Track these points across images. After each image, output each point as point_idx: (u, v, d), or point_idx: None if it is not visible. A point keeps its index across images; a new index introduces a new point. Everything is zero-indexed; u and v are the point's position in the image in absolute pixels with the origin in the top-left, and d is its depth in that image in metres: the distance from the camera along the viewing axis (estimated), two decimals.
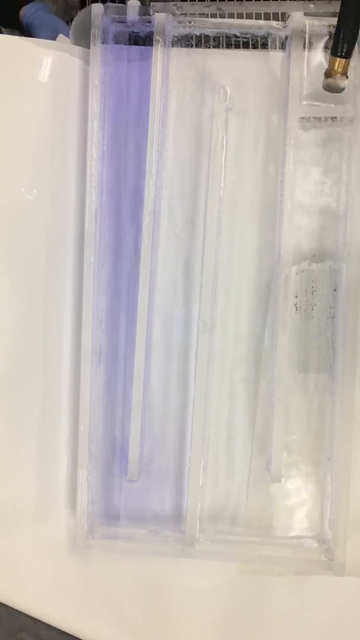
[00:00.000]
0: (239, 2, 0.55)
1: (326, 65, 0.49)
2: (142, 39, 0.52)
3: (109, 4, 0.50)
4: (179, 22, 0.50)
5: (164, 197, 0.53)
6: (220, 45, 0.52)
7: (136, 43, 0.52)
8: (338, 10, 0.46)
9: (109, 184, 0.52)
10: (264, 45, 0.52)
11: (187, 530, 0.51)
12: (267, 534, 0.52)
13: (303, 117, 0.50)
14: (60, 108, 0.53)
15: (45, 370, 0.54)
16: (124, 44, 0.52)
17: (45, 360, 0.54)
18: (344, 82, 0.49)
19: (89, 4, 0.62)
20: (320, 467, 0.52)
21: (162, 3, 0.52)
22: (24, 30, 0.67)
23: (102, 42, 0.50)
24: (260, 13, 0.54)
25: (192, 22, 0.51)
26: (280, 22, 0.50)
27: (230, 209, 0.52)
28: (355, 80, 0.49)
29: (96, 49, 0.50)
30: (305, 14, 0.49)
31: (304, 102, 0.50)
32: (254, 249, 0.53)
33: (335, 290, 0.52)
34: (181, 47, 0.52)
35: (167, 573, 0.53)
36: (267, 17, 0.53)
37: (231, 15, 0.53)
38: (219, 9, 0.53)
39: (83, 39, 0.52)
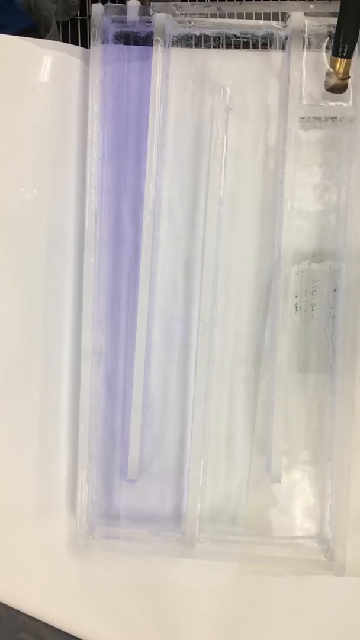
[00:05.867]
0: (239, 2, 0.55)
1: (326, 65, 0.49)
2: (142, 39, 0.52)
3: (109, 4, 0.50)
4: (179, 22, 0.50)
5: (164, 197, 0.53)
6: (220, 45, 0.52)
7: (136, 43, 0.52)
8: (338, 10, 0.46)
9: (109, 184, 0.52)
10: (264, 45, 0.52)
11: (187, 530, 0.51)
12: (267, 534, 0.52)
13: (303, 117, 0.50)
14: (60, 108, 0.53)
15: (45, 370, 0.54)
16: (124, 44, 0.52)
17: (45, 360, 0.54)
18: (345, 82, 0.49)
19: (89, 4, 0.63)
20: (320, 467, 0.52)
21: (162, 3, 0.52)
22: None
23: (102, 42, 0.50)
24: (260, 13, 0.54)
25: (192, 22, 0.51)
26: (280, 22, 0.50)
27: (230, 209, 0.52)
28: (356, 80, 0.49)
29: (96, 49, 0.50)
30: (305, 14, 0.49)
31: (304, 102, 0.50)
32: (254, 249, 0.53)
33: (335, 290, 0.52)
34: (181, 47, 0.52)
35: (167, 573, 0.53)
36: (267, 17, 0.53)
37: (231, 15, 0.53)
38: (219, 9, 0.53)
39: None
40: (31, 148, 0.53)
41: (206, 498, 0.53)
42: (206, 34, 0.51)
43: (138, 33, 0.52)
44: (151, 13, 0.50)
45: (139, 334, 0.50)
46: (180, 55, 0.52)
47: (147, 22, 0.50)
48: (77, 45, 0.57)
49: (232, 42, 0.52)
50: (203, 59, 0.52)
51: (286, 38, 0.50)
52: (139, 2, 0.50)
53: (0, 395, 0.54)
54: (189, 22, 0.51)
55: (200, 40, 0.52)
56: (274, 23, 0.50)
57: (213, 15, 0.52)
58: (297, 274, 0.52)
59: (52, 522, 0.54)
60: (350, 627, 0.53)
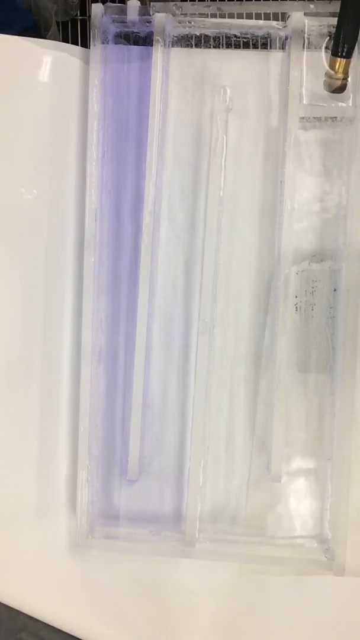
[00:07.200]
0: (239, 2, 0.55)
1: (326, 65, 0.49)
2: (142, 39, 0.52)
3: (109, 4, 0.50)
4: (179, 22, 0.50)
5: (164, 197, 0.53)
6: (220, 46, 0.52)
7: (136, 43, 0.52)
8: (338, 10, 0.46)
9: (109, 184, 0.52)
10: (264, 45, 0.52)
11: (187, 530, 0.51)
12: (267, 534, 0.52)
13: (303, 117, 0.50)
14: (60, 108, 0.53)
15: (45, 370, 0.54)
16: (124, 44, 0.52)
17: (45, 361, 0.54)
18: (344, 82, 0.49)
19: (89, 4, 0.63)
20: (320, 467, 0.52)
21: (162, 3, 0.52)
22: None
23: (102, 42, 0.50)
24: (260, 13, 0.54)
25: (192, 22, 0.51)
26: (280, 22, 0.50)
27: (230, 209, 0.52)
28: (355, 80, 0.49)
29: (96, 49, 0.50)
30: (305, 14, 0.49)
31: (304, 102, 0.50)
32: (254, 249, 0.53)
33: (335, 290, 0.52)
34: (181, 47, 0.52)
35: (167, 573, 0.53)
36: (267, 17, 0.53)
37: (231, 15, 0.53)
38: (219, 9, 0.53)
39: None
40: (31, 148, 0.53)
41: (206, 498, 0.53)
42: (206, 34, 0.51)
43: (138, 33, 0.52)
44: (151, 13, 0.50)
45: (139, 334, 0.50)
46: (180, 55, 0.52)
47: (147, 22, 0.50)
48: (77, 45, 0.57)
49: (232, 42, 0.52)
50: (203, 59, 0.52)
51: (286, 38, 0.50)
52: (139, 2, 0.50)
53: (0, 395, 0.54)
54: (189, 22, 0.51)
55: (200, 40, 0.52)
56: (274, 23, 0.50)
57: (213, 15, 0.52)
58: (297, 274, 0.52)
59: (52, 522, 0.54)
60: (350, 627, 0.53)
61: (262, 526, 0.53)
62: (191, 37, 0.52)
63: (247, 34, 0.51)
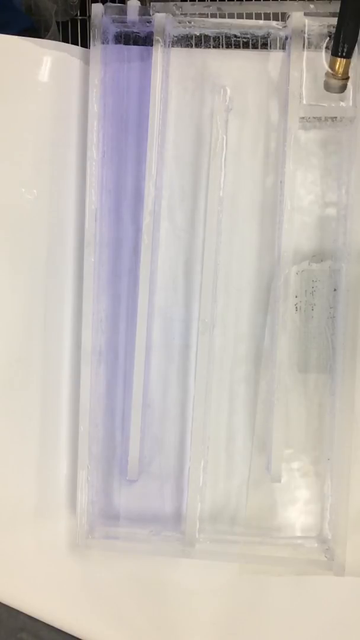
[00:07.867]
0: (239, 2, 0.55)
1: (326, 66, 0.49)
2: (142, 39, 0.52)
3: (109, 4, 0.50)
4: (179, 22, 0.50)
5: (164, 197, 0.53)
6: (220, 45, 0.52)
7: (136, 43, 0.52)
8: (338, 10, 0.46)
9: (109, 184, 0.52)
10: (264, 45, 0.52)
11: (187, 530, 0.51)
12: (267, 534, 0.52)
13: (303, 117, 0.50)
14: (60, 108, 0.53)
15: (45, 370, 0.54)
16: (124, 44, 0.52)
17: (45, 361, 0.54)
18: (344, 82, 0.49)
19: (89, 4, 0.63)
20: (320, 467, 0.52)
21: (162, 3, 0.52)
22: None
23: (102, 42, 0.50)
24: (260, 13, 0.54)
25: (192, 22, 0.51)
26: (280, 22, 0.50)
27: (230, 209, 0.52)
28: (355, 80, 0.49)
29: (96, 49, 0.50)
30: (305, 14, 0.49)
31: (304, 102, 0.50)
32: (254, 249, 0.53)
33: (335, 290, 0.52)
34: (181, 47, 0.52)
35: (167, 573, 0.53)
36: (267, 17, 0.53)
37: (231, 15, 0.53)
38: (219, 9, 0.53)
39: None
40: (31, 148, 0.53)
41: (206, 498, 0.53)
42: (206, 34, 0.51)
43: (138, 33, 0.52)
44: (151, 13, 0.50)
45: (139, 334, 0.50)
46: (180, 55, 0.52)
47: (147, 22, 0.50)
48: (77, 45, 0.57)
49: (232, 42, 0.52)
50: (203, 59, 0.52)
51: (286, 38, 0.50)
52: (139, 2, 0.50)
53: (0, 395, 0.54)
54: (189, 22, 0.51)
55: (200, 40, 0.52)
56: (274, 23, 0.50)
57: (213, 15, 0.52)
58: (297, 274, 0.52)
59: (52, 522, 0.54)
60: (350, 627, 0.53)
61: (262, 526, 0.53)
62: (191, 37, 0.52)
63: (247, 34, 0.51)
